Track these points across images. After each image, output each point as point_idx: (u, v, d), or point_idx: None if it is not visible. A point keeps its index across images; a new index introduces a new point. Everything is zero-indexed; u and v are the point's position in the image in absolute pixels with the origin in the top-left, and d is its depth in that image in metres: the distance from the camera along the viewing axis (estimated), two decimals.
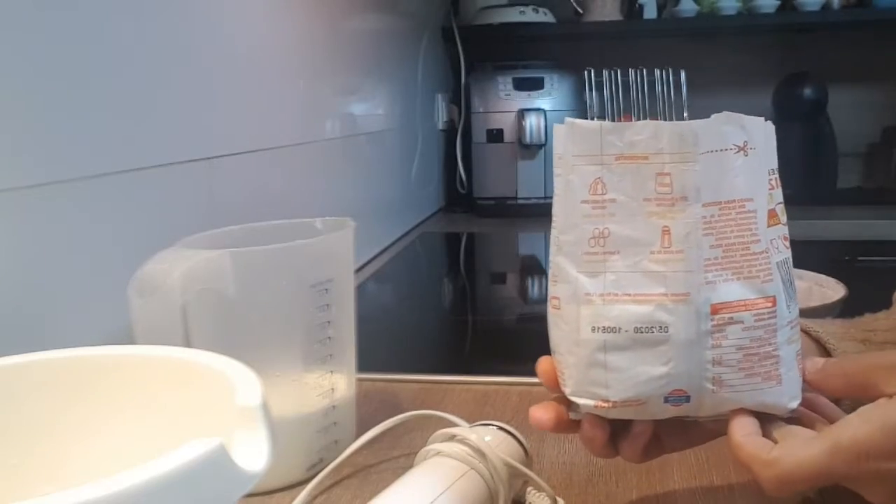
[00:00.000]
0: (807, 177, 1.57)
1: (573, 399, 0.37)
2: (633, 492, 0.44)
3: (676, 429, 0.39)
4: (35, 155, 0.46)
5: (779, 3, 1.58)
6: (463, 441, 0.40)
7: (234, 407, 0.26)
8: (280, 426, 0.27)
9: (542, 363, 0.39)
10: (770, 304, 0.35)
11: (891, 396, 0.33)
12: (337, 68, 1.01)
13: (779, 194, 0.37)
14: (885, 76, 1.70)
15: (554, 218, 0.38)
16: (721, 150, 0.35)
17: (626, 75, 1.66)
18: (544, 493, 0.41)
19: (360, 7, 1.12)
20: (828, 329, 0.44)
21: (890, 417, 0.31)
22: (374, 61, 1.19)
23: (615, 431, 0.38)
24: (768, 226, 0.36)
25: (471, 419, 0.45)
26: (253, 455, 0.24)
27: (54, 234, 0.47)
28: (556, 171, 0.37)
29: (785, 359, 0.36)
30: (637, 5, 1.66)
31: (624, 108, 1.67)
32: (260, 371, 0.29)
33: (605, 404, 0.36)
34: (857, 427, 0.32)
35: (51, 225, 0.47)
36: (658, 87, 1.67)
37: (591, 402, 0.36)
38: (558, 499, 0.41)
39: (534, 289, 1.01)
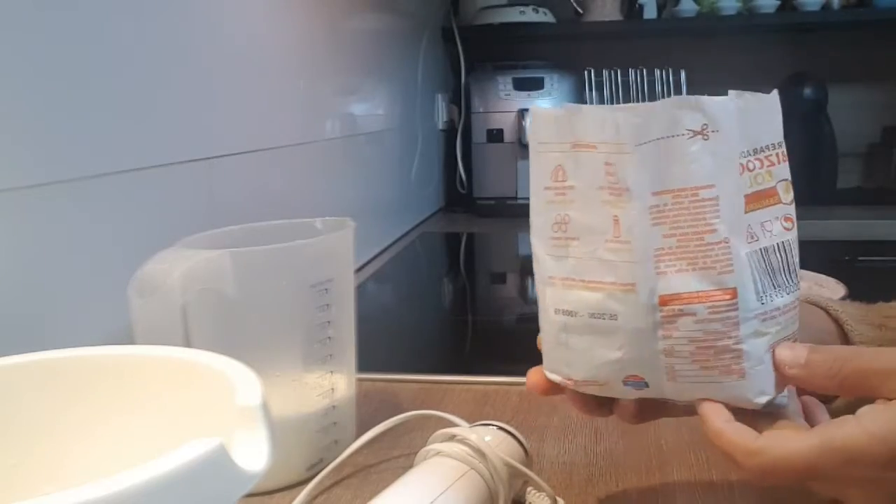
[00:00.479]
0: (807, 177, 1.57)
1: (546, 372, 0.39)
2: (633, 492, 0.44)
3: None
4: (35, 155, 0.46)
5: (779, 3, 1.58)
6: (463, 441, 0.40)
7: (234, 407, 0.26)
8: (280, 426, 0.27)
9: (531, 375, 0.41)
10: (728, 297, 0.33)
11: (889, 400, 0.32)
12: (337, 68, 1.01)
13: (782, 170, 0.35)
14: (885, 76, 1.70)
15: (531, 198, 0.38)
16: (671, 137, 0.33)
17: (626, 75, 1.66)
18: (544, 493, 0.41)
19: (360, 7, 1.12)
20: (848, 310, 0.43)
21: (888, 426, 0.31)
22: (374, 61, 1.19)
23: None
24: (756, 208, 0.34)
25: (471, 419, 0.45)
26: (253, 455, 0.24)
27: (54, 234, 0.47)
28: (530, 155, 0.38)
29: (751, 353, 0.34)
30: (637, 5, 1.66)
31: None
32: (260, 371, 0.29)
33: (570, 381, 0.38)
34: (852, 430, 0.31)
35: (51, 225, 0.47)
36: (658, 87, 1.67)
37: (558, 378, 0.39)
38: (558, 499, 0.41)
39: (534, 289, 1.01)
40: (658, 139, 0.33)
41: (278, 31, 0.83)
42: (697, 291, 0.34)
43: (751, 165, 0.34)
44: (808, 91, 1.57)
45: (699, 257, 0.33)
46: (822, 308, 0.44)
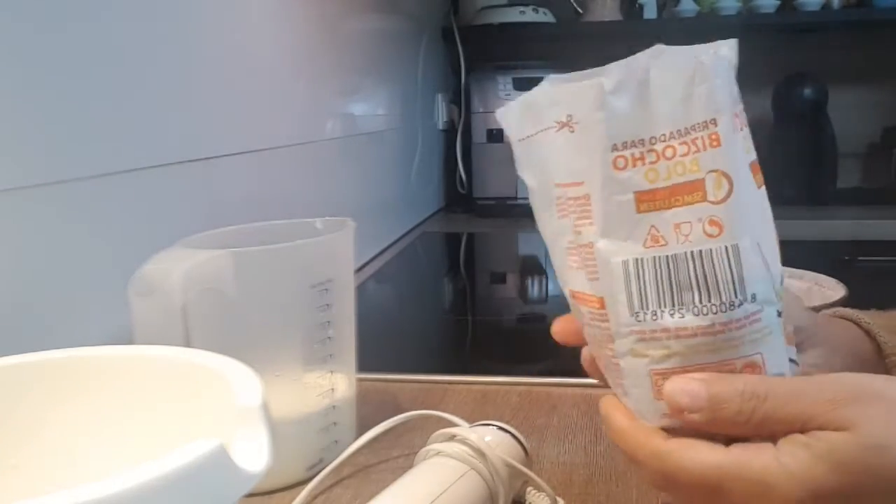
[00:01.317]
0: (807, 177, 1.57)
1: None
2: (633, 492, 0.44)
3: None
4: (35, 155, 0.46)
5: (779, 3, 1.58)
6: (463, 441, 0.40)
7: (234, 407, 0.26)
8: (280, 426, 0.27)
9: (556, 324, 0.37)
10: (597, 305, 0.30)
11: (812, 436, 0.27)
12: (337, 68, 1.01)
13: (711, 157, 0.28)
14: (885, 76, 1.70)
15: None
16: (542, 131, 0.30)
17: None
18: (544, 494, 0.41)
19: (361, 7, 1.12)
20: (877, 321, 0.41)
21: (808, 470, 0.27)
22: (374, 61, 1.19)
23: None
24: (644, 209, 0.28)
25: (471, 419, 0.45)
26: (253, 455, 0.24)
27: (54, 234, 0.47)
28: None
29: (627, 371, 0.30)
30: (637, 5, 1.66)
31: None
32: (260, 371, 0.29)
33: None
34: (769, 462, 0.27)
35: (51, 225, 0.47)
36: None
37: None
38: (558, 499, 0.41)
39: (534, 289, 1.01)
40: (535, 133, 0.30)
41: (278, 31, 0.83)
42: (582, 292, 0.31)
43: (667, 153, 0.28)
44: (808, 91, 1.57)
45: (583, 255, 0.30)
46: (852, 321, 0.43)
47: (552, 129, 0.29)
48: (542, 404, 0.57)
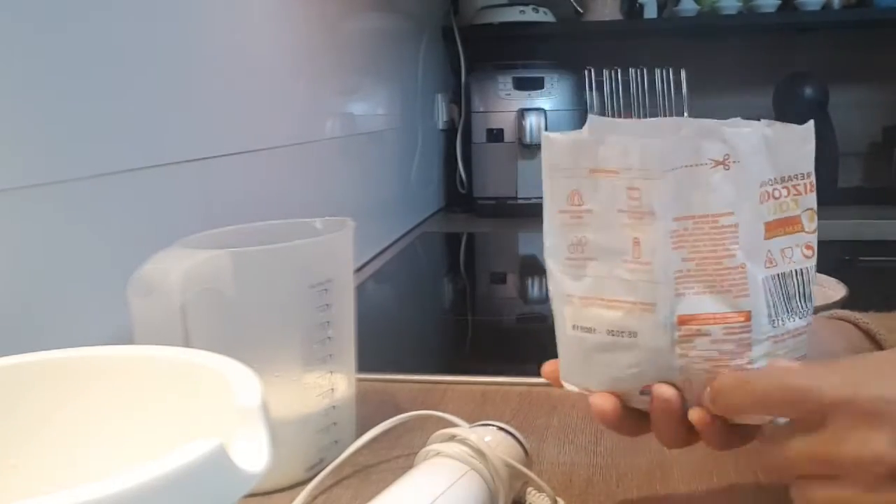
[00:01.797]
0: None
1: (563, 382, 0.40)
2: (633, 492, 0.44)
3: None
4: (35, 155, 0.46)
5: (779, 2, 1.58)
6: (463, 441, 0.40)
7: (233, 407, 0.26)
8: (280, 426, 0.27)
9: (546, 366, 0.41)
10: (742, 319, 0.35)
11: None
12: (337, 68, 1.01)
13: (808, 200, 0.36)
14: (885, 76, 1.70)
15: (544, 221, 0.39)
16: (695, 166, 0.34)
17: (626, 75, 1.66)
18: (544, 494, 0.41)
19: (361, 7, 1.12)
20: (877, 321, 0.43)
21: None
22: (374, 61, 1.19)
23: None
24: (777, 235, 0.35)
25: (471, 419, 0.45)
26: (253, 455, 0.24)
27: (54, 234, 0.47)
28: (543, 179, 0.39)
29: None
30: (637, 5, 1.66)
31: (624, 108, 1.67)
32: (260, 371, 0.29)
33: (587, 391, 0.39)
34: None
35: (50, 225, 0.47)
36: (658, 87, 1.67)
37: (575, 388, 0.40)
38: (558, 499, 0.41)
39: (534, 289, 1.01)
40: (682, 167, 0.34)
41: (278, 31, 0.83)
42: (714, 313, 0.35)
43: (776, 193, 0.36)
44: (808, 91, 1.57)
45: (717, 281, 0.35)
46: (851, 322, 0.44)
47: (707, 166, 0.34)
48: (542, 405, 0.57)
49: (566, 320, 0.38)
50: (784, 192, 0.36)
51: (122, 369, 0.33)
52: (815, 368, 0.34)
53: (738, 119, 0.35)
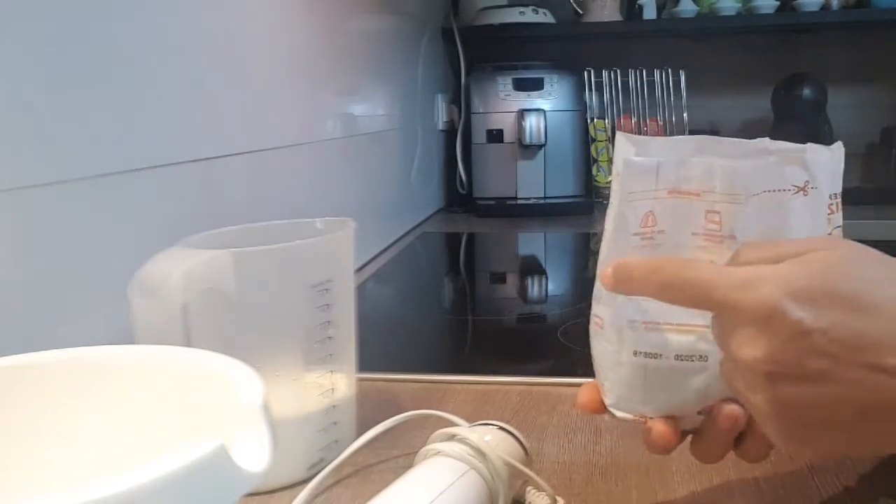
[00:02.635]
0: None
1: (613, 411, 0.39)
2: (633, 492, 0.44)
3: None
4: (35, 155, 0.46)
5: (778, 3, 1.58)
6: (463, 441, 0.40)
7: (234, 407, 0.27)
8: (280, 426, 0.27)
9: (584, 393, 0.41)
10: None
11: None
12: (337, 69, 1.01)
13: (838, 218, 0.37)
14: (884, 77, 1.70)
15: (602, 243, 0.38)
16: (778, 191, 0.35)
17: (625, 76, 1.66)
18: (544, 493, 0.41)
19: (361, 7, 1.12)
20: None
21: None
22: (374, 62, 1.19)
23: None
24: None
25: (471, 419, 0.45)
26: (254, 455, 0.24)
27: (54, 234, 0.47)
28: (613, 201, 0.38)
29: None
30: (637, 6, 1.66)
31: (624, 109, 1.67)
32: (260, 371, 0.29)
33: (643, 418, 0.38)
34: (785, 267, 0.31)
35: (51, 225, 0.47)
36: (658, 88, 1.67)
37: (629, 416, 0.38)
38: (558, 498, 0.41)
39: (534, 289, 1.01)
40: (766, 192, 0.35)
41: (279, 31, 0.83)
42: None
43: (831, 209, 0.36)
44: (807, 91, 1.57)
45: None
46: None
47: (789, 192, 0.35)
48: (542, 404, 0.57)
49: (626, 346, 0.37)
50: (828, 210, 0.37)
51: (123, 369, 0.33)
52: (723, 267, 0.33)
53: (812, 144, 0.36)
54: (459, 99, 1.68)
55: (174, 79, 0.61)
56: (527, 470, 0.41)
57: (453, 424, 0.43)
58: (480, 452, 0.39)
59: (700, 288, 0.32)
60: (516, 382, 0.61)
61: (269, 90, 0.80)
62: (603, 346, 0.39)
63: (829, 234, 0.36)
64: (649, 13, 1.66)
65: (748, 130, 1.72)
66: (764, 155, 0.36)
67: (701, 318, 0.36)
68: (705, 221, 0.35)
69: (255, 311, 0.44)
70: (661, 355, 0.37)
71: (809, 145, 0.36)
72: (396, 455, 0.49)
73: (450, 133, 1.70)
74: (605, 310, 0.38)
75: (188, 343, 0.40)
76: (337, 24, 1.02)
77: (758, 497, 0.43)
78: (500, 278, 1.13)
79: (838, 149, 0.37)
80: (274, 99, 0.81)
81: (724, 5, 1.60)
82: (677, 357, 0.36)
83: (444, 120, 1.67)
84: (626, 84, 1.66)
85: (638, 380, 0.37)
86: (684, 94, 1.65)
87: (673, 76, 1.65)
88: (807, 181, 0.35)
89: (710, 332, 0.34)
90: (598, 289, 0.39)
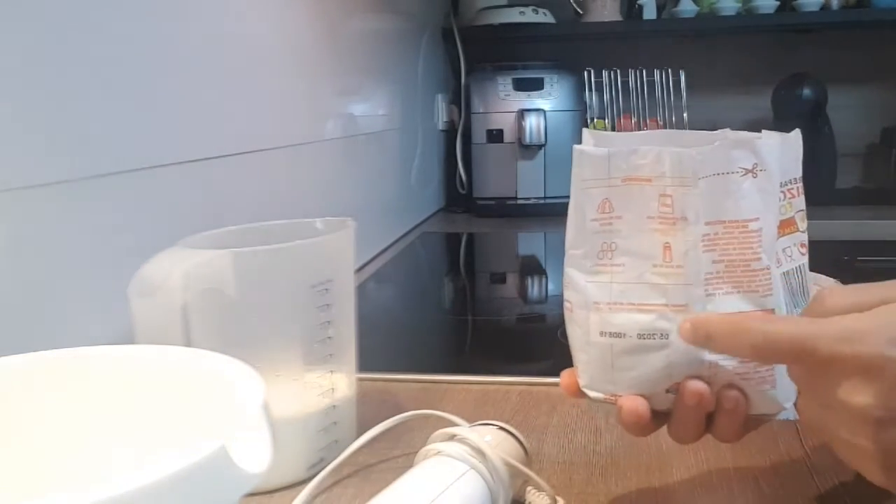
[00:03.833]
0: (806, 177, 1.55)
1: (586, 391, 0.41)
2: (633, 492, 0.44)
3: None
4: (35, 155, 0.46)
5: (778, 3, 1.58)
6: (463, 441, 0.40)
7: (234, 407, 0.27)
8: (280, 426, 0.27)
9: (564, 377, 0.42)
10: None
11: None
12: (337, 69, 1.01)
13: (800, 202, 0.39)
14: (884, 77, 1.70)
15: (566, 232, 0.40)
16: (726, 174, 0.36)
17: (625, 76, 1.66)
18: (544, 493, 0.41)
19: (361, 7, 1.12)
20: None
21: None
22: (374, 62, 1.19)
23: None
24: (780, 236, 0.38)
25: (471, 419, 0.45)
26: (254, 455, 0.24)
27: (54, 234, 0.47)
28: (571, 191, 0.40)
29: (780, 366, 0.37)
30: (636, 6, 1.66)
31: (624, 109, 1.67)
32: (260, 371, 0.29)
33: (612, 398, 0.39)
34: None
35: (51, 225, 0.47)
36: (658, 88, 1.67)
37: (601, 395, 0.40)
38: (558, 498, 0.41)
39: (534, 289, 1.01)
40: (715, 175, 0.36)
41: (279, 31, 0.83)
42: (741, 311, 0.37)
43: (792, 193, 0.38)
44: (807, 91, 1.57)
45: (744, 281, 0.37)
46: None
47: (737, 174, 0.36)
48: (542, 404, 0.57)
49: (592, 327, 0.39)
50: (783, 195, 0.38)
51: (123, 369, 0.33)
52: (814, 319, 0.34)
53: (768, 132, 0.38)
54: (459, 99, 1.68)
55: (174, 79, 0.61)
56: (527, 470, 0.41)
57: (453, 424, 0.43)
58: (480, 452, 0.39)
59: (801, 344, 0.33)
60: (516, 382, 0.61)
61: (270, 90, 0.80)
62: (574, 329, 0.40)
63: (790, 217, 0.38)
64: (649, 13, 1.66)
65: (748, 130, 1.71)
66: (717, 141, 0.38)
67: (659, 297, 0.37)
68: (658, 205, 0.37)
69: (255, 311, 0.44)
70: (624, 335, 0.38)
71: (764, 132, 0.37)
72: (396, 455, 0.49)
73: (450, 133, 1.70)
74: (574, 294, 0.40)
75: (188, 343, 0.40)
76: (337, 24, 1.02)
77: (758, 497, 0.43)
78: (500, 278, 1.13)
79: (796, 136, 0.38)
80: (274, 99, 0.81)
81: (724, 5, 1.60)
82: (640, 336, 0.38)
83: (444, 120, 1.67)
84: (626, 84, 1.66)
85: (606, 360, 0.39)
86: (684, 94, 1.65)
87: (673, 76, 1.65)
88: (755, 163, 0.36)
89: (670, 311, 0.37)
90: (567, 274, 0.40)
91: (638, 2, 1.65)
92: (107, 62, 0.53)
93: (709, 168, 0.36)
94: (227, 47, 0.70)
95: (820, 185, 1.58)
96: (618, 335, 0.38)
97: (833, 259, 1.09)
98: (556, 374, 0.61)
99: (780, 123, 1.62)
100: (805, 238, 0.39)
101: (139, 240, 0.55)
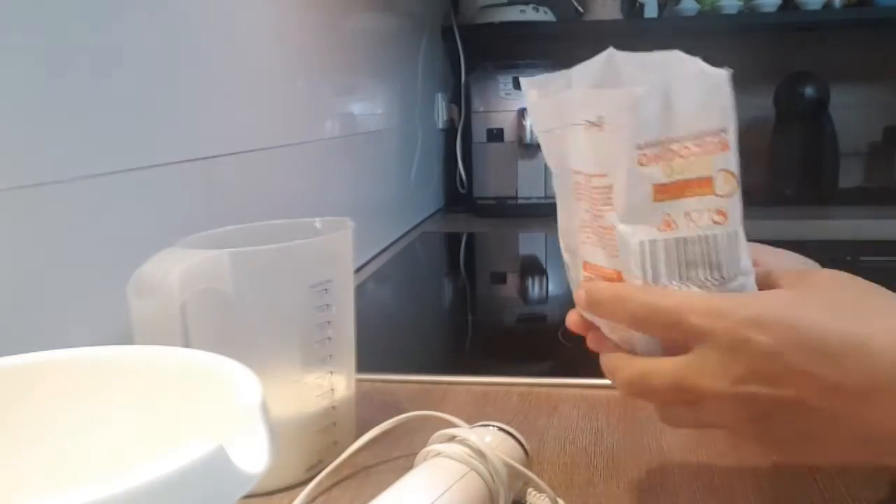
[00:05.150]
0: (808, 176, 1.57)
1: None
2: (633, 493, 0.44)
3: None
4: (35, 155, 0.46)
5: (780, 1, 1.58)
6: (463, 442, 0.40)
7: (233, 408, 0.26)
8: (279, 427, 0.27)
9: (571, 315, 0.41)
10: (616, 277, 0.36)
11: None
12: (337, 68, 1.01)
13: (723, 160, 0.32)
14: (886, 75, 1.70)
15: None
16: (572, 125, 0.35)
17: None
18: (544, 495, 0.41)
19: (360, 7, 1.12)
20: None
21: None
22: (373, 61, 1.19)
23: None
24: (660, 199, 0.33)
25: (471, 419, 0.44)
26: (252, 456, 0.24)
27: (54, 234, 0.47)
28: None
29: (642, 342, 0.36)
30: (638, 4, 1.66)
31: None
32: (259, 371, 0.29)
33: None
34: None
35: (51, 225, 0.47)
36: None
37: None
38: (558, 500, 0.41)
39: (534, 289, 1.01)
40: (570, 125, 0.35)
41: (278, 30, 0.83)
42: (599, 265, 0.37)
43: (682, 152, 0.32)
44: (809, 90, 1.57)
45: (599, 235, 0.36)
46: None
47: (580, 127, 0.34)
48: (543, 405, 0.57)
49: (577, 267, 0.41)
50: (688, 150, 0.32)
51: (122, 369, 0.33)
52: (690, 293, 0.33)
53: (674, 53, 0.33)
54: (459, 98, 1.68)
55: (174, 78, 0.61)
56: (527, 471, 0.40)
57: (453, 425, 0.43)
58: (481, 454, 0.39)
59: (676, 317, 0.33)
60: (516, 383, 0.60)
61: (269, 89, 0.80)
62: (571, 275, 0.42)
63: (704, 177, 0.32)
64: (650, 11, 1.66)
65: (750, 129, 1.71)
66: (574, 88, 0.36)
67: (565, 238, 0.40)
68: (556, 153, 0.38)
69: (254, 312, 0.44)
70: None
71: (642, 87, 0.32)
72: (396, 456, 0.49)
73: (450, 132, 1.69)
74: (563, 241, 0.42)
75: (186, 343, 0.40)
76: (337, 22, 1.02)
77: (758, 497, 0.43)
78: (500, 278, 1.13)
79: (720, 78, 0.33)
80: (273, 98, 0.81)
81: (725, 3, 1.60)
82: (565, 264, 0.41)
83: (444, 119, 1.67)
84: None
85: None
86: None
87: None
88: (600, 116, 0.33)
89: (569, 254, 0.39)
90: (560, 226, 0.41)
91: (639, 0, 1.65)
92: (107, 62, 0.53)
93: (565, 117, 0.35)
94: (226, 46, 0.70)
95: (822, 185, 1.58)
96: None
97: (835, 259, 1.09)
98: (557, 375, 0.62)
99: (783, 122, 1.62)
100: (726, 205, 0.33)
101: (138, 240, 0.55)
